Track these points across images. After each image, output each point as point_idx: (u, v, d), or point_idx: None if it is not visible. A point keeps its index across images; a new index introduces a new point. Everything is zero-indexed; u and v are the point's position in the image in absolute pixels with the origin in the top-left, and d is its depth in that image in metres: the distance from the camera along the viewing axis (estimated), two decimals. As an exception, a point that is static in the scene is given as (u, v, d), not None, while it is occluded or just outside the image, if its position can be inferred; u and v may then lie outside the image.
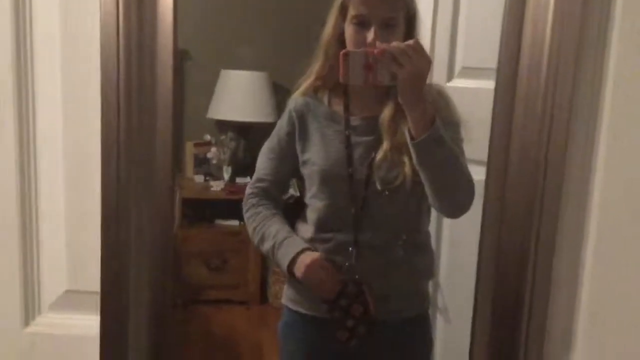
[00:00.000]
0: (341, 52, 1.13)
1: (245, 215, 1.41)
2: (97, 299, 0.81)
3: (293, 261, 1.29)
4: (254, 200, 1.40)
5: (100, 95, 0.77)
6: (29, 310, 0.85)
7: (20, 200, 0.82)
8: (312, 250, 1.31)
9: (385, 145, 1.27)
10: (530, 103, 0.88)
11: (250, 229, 1.39)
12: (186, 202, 3.08)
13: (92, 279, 0.81)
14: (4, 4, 0.79)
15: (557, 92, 0.87)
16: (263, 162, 1.42)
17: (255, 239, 1.37)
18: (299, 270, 1.28)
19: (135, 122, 0.79)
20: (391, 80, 1.12)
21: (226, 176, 3.28)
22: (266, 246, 1.35)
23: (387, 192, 1.26)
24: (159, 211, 0.81)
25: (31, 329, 0.86)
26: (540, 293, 0.92)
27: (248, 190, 1.42)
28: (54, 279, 0.84)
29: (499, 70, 0.91)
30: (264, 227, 1.36)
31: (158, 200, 0.81)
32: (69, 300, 0.85)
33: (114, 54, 0.76)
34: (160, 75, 0.79)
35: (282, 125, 1.40)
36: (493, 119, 0.92)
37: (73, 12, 0.78)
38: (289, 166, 1.39)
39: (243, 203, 1.42)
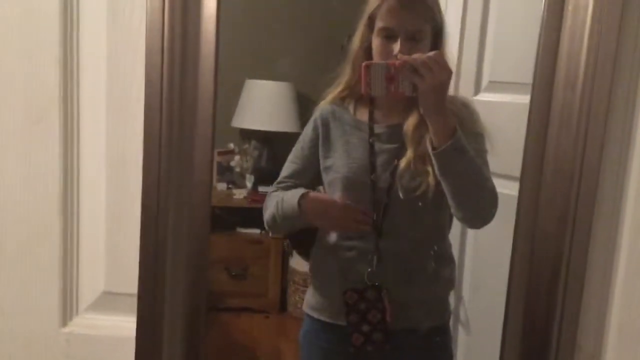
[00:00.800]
0: (363, 64, 1.16)
1: (264, 211, 1.42)
2: (134, 301, 0.82)
3: (303, 198, 1.32)
4: (271, 195, 1.42)
5: (143, 101, 0.79)
6: (67, 310, 0.87)
7: (62, 201, 0.84)
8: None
9: (409, 153, 1.28)
10: (565, 118, 0.89)
11: (264, 212, 1.40)
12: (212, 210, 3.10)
13: (129, 281, 0.83)
14: (53, 10, 0.81)
15: (593, 107, 0.87)
16: (286, 167, 1.45)
17: (266, 218, 1.39)
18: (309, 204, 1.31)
19: (177, 129, 0.80)
20: (413, 92, 1.14)
21: (249, 185, 3.30)
22: (272, 211, 1.37)
23: (409, 201, 1.27)
24: (197, 216, 0.83)
25: (68, 329, 0.88)
26: (571, 307, 0.92)
27: (269, 192, 1.44)
28: (92, 280, 0.86)
29: (534, 84, 0.92)
30: (267, 202, 1.39)
31: (196, 205, 0.82)
32: (106, 301, 0.86)
33: (158, 63, 0.78)
34: (201, 85, 0.81)
35: (307, 132, 1.43)
36: (527, 133, 0.92)
37: (119, 20, 0.80)
38: (311, 172, 1.41)
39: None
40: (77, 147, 0.83)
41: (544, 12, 0.89)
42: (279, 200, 1.36)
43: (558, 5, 0.88)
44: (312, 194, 1.34)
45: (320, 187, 1.44)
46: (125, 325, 0.84)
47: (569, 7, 0.87)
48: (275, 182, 1.45)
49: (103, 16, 0.80)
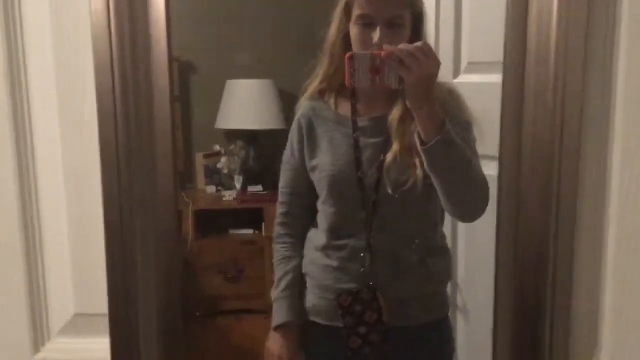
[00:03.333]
0: (347, 55, 1.10)
1: (273, 242, 1.46)
2: (107, 322, 0.79)
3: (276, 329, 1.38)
4: (279, 231, 1.44)
5: (97, 112, 0.75)
6: (38, 336, 0.84)
7: (23, 226, 0.81)
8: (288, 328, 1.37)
9: (395, 146, 1.24)
10: (540, 95, 0.86)
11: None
12: (199, 214, 3.07)
13: (100, 301, 0.79)
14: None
15: (568, 82, 0.84)
16: (282, 175, 1.42)
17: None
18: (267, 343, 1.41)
19: (134, 137, 0.77)
20: (399, 84, 1.09)
21: (238, 185, 3.27)
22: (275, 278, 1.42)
23: (398, 196, 1.24)
24: (164, 226, 0.79)
25: (41, 355, 0.85)
26: (562, 288, 0.90)
27: (277, 212, 1.45)
28: (62, 304, 0.83)
29: (505, 63, 0.89)
30: (277, 271, 1.43)
31: (162, 215, 0.79)
32: (79, 324, 0.83)
33: (108, 69, 0.75)
34: (157, 87, 0.77)
35: (293, 134, 1.39)
36: (503, 114, 0.89)
37: (65, 29, 0.77)
38: (306, 177, 1.37)
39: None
40: (33, 167, 0.79)
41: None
42: (277, 297, 1.39)
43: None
44: (281, 337, 1.38)
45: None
46: (100, 347, 0.81)
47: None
48: (279, 197, 1.44)
49: (47, 23, 0.76)
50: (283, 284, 1.38)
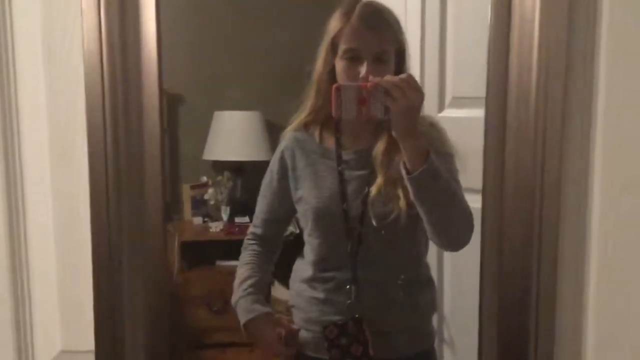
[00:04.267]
0: (334, 87, 1.12)
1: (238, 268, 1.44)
2: (93, 358, 0.78)
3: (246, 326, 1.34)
4: (247, 243, 1.45)
5: (87, 146, 0.76)
6: (24, 373, 0.83)
7: (10, 260, 0.80)
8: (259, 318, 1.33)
9: (379, 179, 1.25)
10: (521, 130, 0.88)
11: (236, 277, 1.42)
12: (185, 246, 3.05)
13: (86, 338, 0.79)
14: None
15: (548, 117, 0.87)
16: (259, 201, 1.44)
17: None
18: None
19: (124, 170, 0.78)
20: (384, 114, 1.11)
21: (225, 216, 3.26)
22: (234, 288, 1.39)
23: (382, 228, 1.25)
24: (152, 260, 0.80)
25: (27, 392, 0.84)
26: (546, 319, 0.91)
27: (248, 232, 1.46)
28: (48, 340, 0.82)
29: (487, 99, 0.91)
30: (238, 271, 1.41)
31: (150, 249, 0.79)
32: (65, 360, 0.83)
33: (99, 101, 0.76)
34: (147, 121, 0.78)
35: (273, 164, 1.41)
36: (485, 148, 0.91)
37: (56, 60, 0.78)
38: (284, 204, 1.39)
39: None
40: (22, 202, 0.79)
41: (490, 25, 0.89)
42: (238, 297, 1.37)
43: (505, 18, 0.87)
44: (259, 322, 1.34)
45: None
46: (86, 383, 0.80)
47: (516, 18, 0.87)
48: (253, 221, 1.45)
49: (39, 57, 0.77)
50: (246, 284, 1.37)
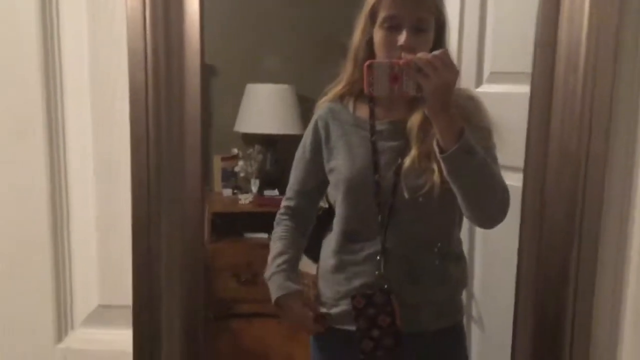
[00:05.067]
0: (365, 64, 1.12)
1: (273, 233, 1.45)
2: (130, 314, 0.80)
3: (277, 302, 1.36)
4: (281, 217, 1.45)
5: (129, 109, 0.77)
6: (62, 325, 0.85)
7: (52, 215, 0.82)
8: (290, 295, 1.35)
9: (413, 151, 1.24)
10: (567, 107, 0.85)
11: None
12: (215, 216, 3.09)
13: (124, 293, 0.80)
14: (32, 20, 0.79)
15: (596, 94, 0.84)
16: (293, 174, 1.44)
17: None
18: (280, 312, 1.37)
19: (164, 136, 0.78)
20: (417, 92, 1.10)
21: (254, 189, 3.28)
22: (268, 262, 1.41)
23: (414, 200, 1.24)
24: (190, 224, 0.80)
25: (64, 344, 0.86)
26: (584, 302, 0.89)
27: (282, 204, 1.46)
28: (86, 294, 0.84)
29: (533, 74, 0.88)
30: (272, 245, 1.42)
31: (188, 213, 0.80)
32: (102, 315, 0.84)
33: (141, 69, 0.76)
34: (188, 90, 0.78)
35: (307, 135, 1.40)
36: (529, 124, 0.89)
37: (100, 27, 0.78)
38: (317, 175, 1.39)
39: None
40: (64, 160, 0.81)
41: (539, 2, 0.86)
42: (271, 272, 1.39)
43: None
44: (289, 300, 1.35)
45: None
46: (122, 338, 0.82)
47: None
48: (286, 193, 1.45)
49: (84, 23, 0.78)
50: (280, 260, 1.38)
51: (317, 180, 1.39)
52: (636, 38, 0.83)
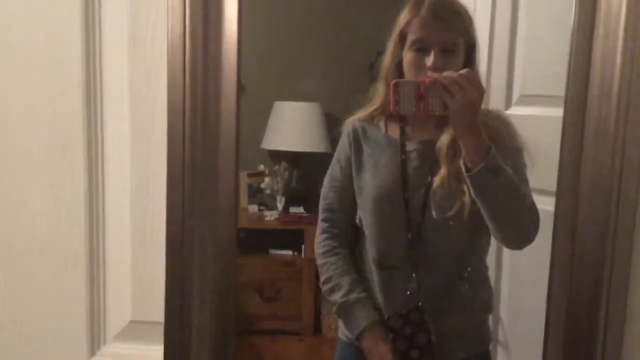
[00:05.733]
0: (392, 82, 1.13)
1: (319, 258, 1.38)
2: (161, 330, 0.81)
3: (361, 334, 1.28)
4: (328, 244, 1.37)
5: (167, 126, 0.79)
6: (95, 340, 0.86)
7: (88, 230, 0.84)
8: (379, 325, 1.28)
9: (443, 171, 1.24)
10: (601, 131, 0.85)
11: (322, 276, 1.37)
12: (239, 232, 3.11)
13: (156, 309, 0.81)
14: (76, 37, 0.82)
15: (630, 118, 0.84)
16: (328, 191, 1.40)
17: (325, 287, 1.36)
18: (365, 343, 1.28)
19: (200, 153, 0.80)
20: (443, 110, 1.10)
21: (280, 206, 3.30)
22: (335, 297, 1.33)
23: (443, 220, 1.23)
24: (222, 243, 0.81)
25: (97, 359, 0.87)
26: (615, 330, 0.88)
27: (320, 226, 1.40)
28: (119, 309, 0.85)
29: (567, 97, 0.88)
30: (337, 279, 1.34)
31: (221, 233, 0.81)
32: (134, 330, 0.85)
33: (179, 90, 0.78)
34: (223, 111, 0.80)
35: (341, 150, 1.40)
36: (562, 148, 0.89)
37: (140, 46, 0.80)
38: (352, 192, 1.38)
39: (316, 239, 1.41)
40: (102, 175, 0.82)
41: (574, 22, 0.86)
42: (344, 302, 1.31)
43: (589, 12, 0.85)
44: (371, 335, 1.28)
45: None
46: (153, 354, 0.83)
47: (601, 14, 0.84)
48: (321, 210, 1.40)
49: (125, 42, 0.80)
50: (346, 284, 1.31)
51: (353, 198, 1.38)
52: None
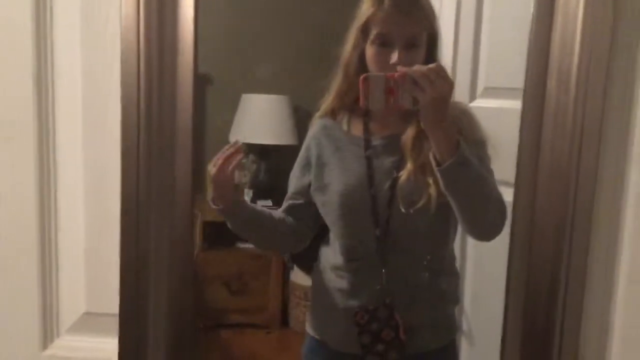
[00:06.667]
0: (361, 77, 1.11)
1: None
2: (116, 322, 0.79)
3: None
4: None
5: (120, 113, 0.77)
6: (48, 333, 0.84)
7: (39, 221, 0.81)
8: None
9: (409, 165, 1.24)
10: (559, 122, 0.86)
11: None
12: (207, 225, 3.08)
13: (111, 301, 0.80)
14: (26, 24, 0.79)
15: (587, 110, 0.85)
16: (294, 181, 1.40)
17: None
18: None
19: (155, 144, 0.78)
20: (413, 105, 1.09)
21: (247, 199, 3.27)
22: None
23: (411, 213, 1.24)
24: (179, 234, 0.80)
25: (49, 352, 0.85)
26: (572, 318, 0.89)
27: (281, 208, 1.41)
28: (72, 301, 0.83)
29: (525, 88, 0.89)
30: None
31: (178, 223, 0.80)
32: (88, 322, 0.83)
33: (134, 77, 0.76)
34: (180, 98, 0.78)
35: (303, 154, 1.39)
36: (520, 138, 0.90)
37: (93, 31, 0.78)
38: (308, 192, 1.37)
39: None
40: (54, 165, 0.80)
41: (533, 14, 0.87)
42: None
43: (548, 7, 0.85)
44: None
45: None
46: (108, 347, 0.81)
47: (559, 9, 0.85)
48: (286, 197, 1.41)
49: (77, 27, 0.78)
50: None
51: (308, 197, 1.38)
52: (627, 54, 0.84)
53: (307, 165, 1.36)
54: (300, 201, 1.38)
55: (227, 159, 1.26)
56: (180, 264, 0.80)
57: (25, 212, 0.81)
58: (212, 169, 1.26)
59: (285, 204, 1.41)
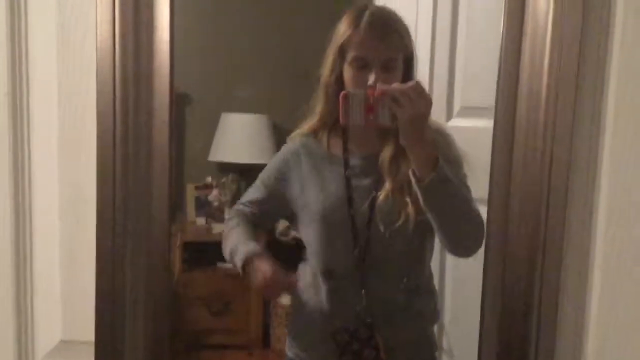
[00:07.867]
0: (341, 94, 1.12)
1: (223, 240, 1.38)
2: (92, 350, 0.78)
3: (247, 262, 1.27)
4: (232, 223, 1.39)
5: (96, 139, 0.76)
6: (22, 360, 0.83)
7: (15, 250, 0.80)
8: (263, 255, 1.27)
9: (387, 184, 1.24)
10: (530, 140, 0.88)
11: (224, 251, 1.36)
12: (187, 246, 3.05)
13: (86, 328, 0.79)
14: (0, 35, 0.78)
15: (557, 128, 0.87)
16: (251, 191, 1.41)
17: (225, 254, 1.35)
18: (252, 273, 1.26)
19: (132, 169, 0.78)
20: (392, 122, 1.11)
21: (225, 218, 3.26)
22: (227, 252, 1.33)
23: (389, 233, 1.24)
24: (157, 259, 0.80)
25: (25, 380, 0.83)
26: (546, 332, 0.90)
27: (232, 210, 1.42)
28: (48, 329, 0.82)
29: (497, 106, 0.91)
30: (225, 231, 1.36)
31: (155, 248, 0.79)
32: (64, 350, 0.82)
33: (110, 98, 0.76)
34: (156, 120, 0.78)
35: (275, 162, 1.39)
36: (493, 156, 0.91)
37: (70, 58, 0.78)
38: (273, 202, 1.37)
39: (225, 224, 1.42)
40: (29, 193, 0.79)
41: (502, 34, 0.89)
42: (233, 248, 1.31)
43: (517, 27, 0.88)
44: (257, 260, 1.26)
45: (281, 223, 1.40)
46: (84, 374, 0.80)
47: (528, 29, 0.87)
48: (240, 200, 1.42)
49: (53, 48, 0.78)
50: (243, 237, 1.32)
51: (273, 205, 1.38)
52: (596, 73, 0.86)
53: (280, 176, 1.36)
54: (265, 209, 1.39)
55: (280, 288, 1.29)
56: (158, 290, 0.79)
57: (0, 239, 0.80)
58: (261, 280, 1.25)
59: (243, 207, 1.41)
